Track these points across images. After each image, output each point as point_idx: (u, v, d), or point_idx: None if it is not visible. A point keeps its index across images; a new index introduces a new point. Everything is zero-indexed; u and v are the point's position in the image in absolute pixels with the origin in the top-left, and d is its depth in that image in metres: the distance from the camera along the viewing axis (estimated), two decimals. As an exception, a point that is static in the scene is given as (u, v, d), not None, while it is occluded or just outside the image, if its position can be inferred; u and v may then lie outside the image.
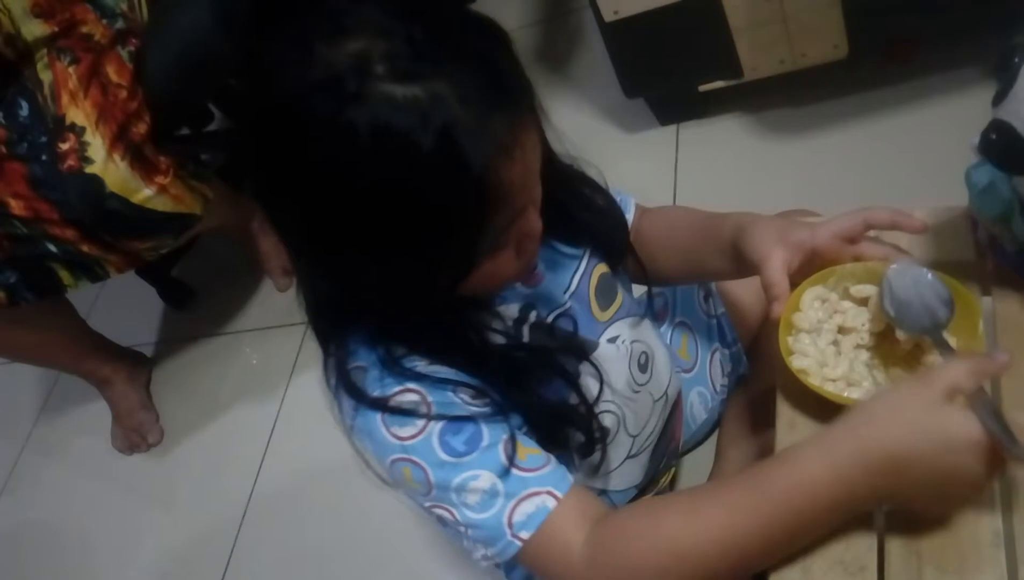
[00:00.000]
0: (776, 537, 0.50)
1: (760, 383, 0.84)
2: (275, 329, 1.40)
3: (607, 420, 0.70)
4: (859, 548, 0.52)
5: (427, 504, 0.57)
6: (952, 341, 0.56)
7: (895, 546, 0.52)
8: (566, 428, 0.63)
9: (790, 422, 0.59)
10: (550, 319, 0.67)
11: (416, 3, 0.49)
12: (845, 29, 1.10)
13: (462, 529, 0.56)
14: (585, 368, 0.66)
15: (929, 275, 0.56)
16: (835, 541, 0.53)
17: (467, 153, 0.45)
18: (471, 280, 0.53)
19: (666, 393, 0.77)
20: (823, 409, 0.57)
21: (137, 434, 1.34)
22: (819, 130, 1.18)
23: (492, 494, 0.54)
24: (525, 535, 0.54)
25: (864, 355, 0.58)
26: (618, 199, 0.75)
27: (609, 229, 0.70)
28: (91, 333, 1.34)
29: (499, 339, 0.61)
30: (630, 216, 0.75)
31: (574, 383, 0.64)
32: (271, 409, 1.29)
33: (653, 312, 0.87)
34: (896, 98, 1.15)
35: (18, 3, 1.03)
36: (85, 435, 1.41)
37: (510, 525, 0.54)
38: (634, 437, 0.74)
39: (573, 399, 0.64)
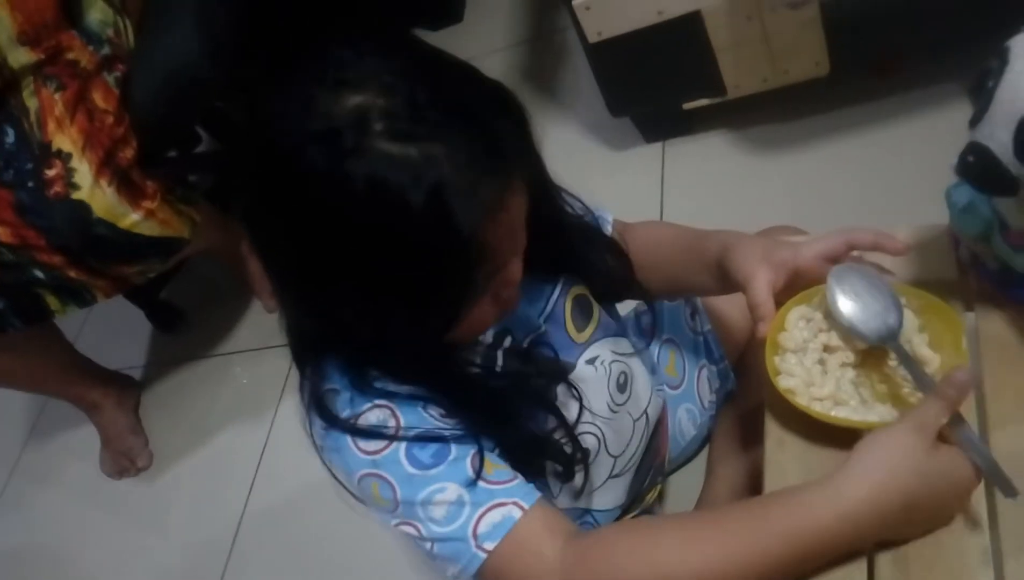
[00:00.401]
0: (773, 575, 0.50)
1: (748, 399, 0.84)
2: (264, 350, 1.40)
3: (587, 441, 0.70)
4: (848, 565, 0.53)
5: (395, 522, 0.57)
6: (935, 357, 0.57)
7: (885, 563, 0.52)
8: (541, 457, 0.64)
9: (779, 441, 0.59)
10: (526, 344, 0.67)
11: (420, 64, 0.50)
12: (826, 46, 1.11)
13: (428, 546, 0.55)
14: (563, 391, 0.67)
15: (869, 277, 0.58)
16: (825, 559, 0.53)
17: (455, 214, 0.47)
18: (467, 325, 0.55)
19: (646, 412, 0.78)
20: (811, 428, 0.58)
21: (126, 458, 1.33)
22: (803, 146, 1.20)
23: (458, 505, 0.54)
24: (489, 546, 0.53)
25: (850, 373, 0.59)
26: (595, 215, 0.75)
27: (608, 267, 0.72)
28: (79, 357, 1.34)
29: (474, 369, 0.62)
30: (608, 230, 0.76)
31: (552, 408, 0.65)
32: (261, 431, 1.29)
33: (640, 329, 0.88)
34: (878, 114, 1.17)
35: (4, 31, 1.03)
36: (74, 460, 1.40)
37: (475, 536, 0.54)
38: (615, 457, 0.74)
39: (551, 423, 0.64)
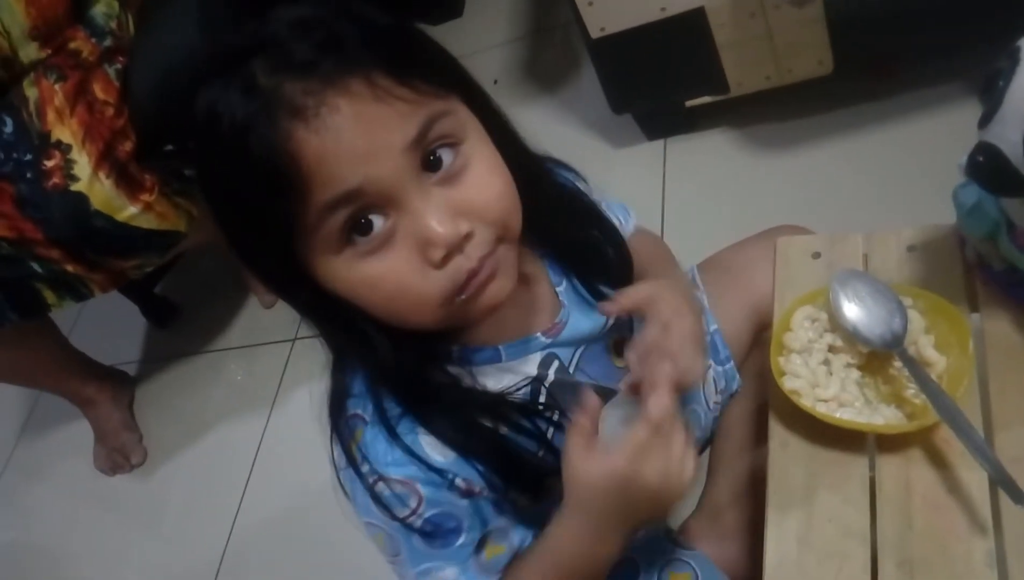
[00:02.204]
0: None
1: (751, 400, 0.84)
2: (260, 346, 1.39)
3: None
4: (853, 568, 0.52)
5: (389, 562, 0.59)
6: (941, 359, 0.57)
7: (889, 566, 0.52)
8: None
9: (783, 442, 0.59)
10: (571, 368, 0.65)
11: None
12: (830, 45, 1.11)
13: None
14: None
15: (872, 282, 0.57)
16: (829, 561, 0.53)
17: (250, 117, 0.45)
18: (358, 283, 0.49)
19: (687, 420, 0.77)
20: (815, 429, 0.57)
21: (120, 454, 1.33)
22: (805, 145, 1.19)
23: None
24: None
25: (855, 374, 0.58)
26: (620, 219, 0.73)
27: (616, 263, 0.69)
28: (73, 352, 1.33)
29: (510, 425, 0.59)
30: (629, 228, 0.74)
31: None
32: (257, 428, 1.28)
33: None
34: (881, 113, 1.16)
35: (18, 26, 1.03)
36: (67, 456, 1.40)
37: None
38: None
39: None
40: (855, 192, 1.11)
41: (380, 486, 0.55)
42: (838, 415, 0.56)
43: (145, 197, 1.07)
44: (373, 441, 0.55)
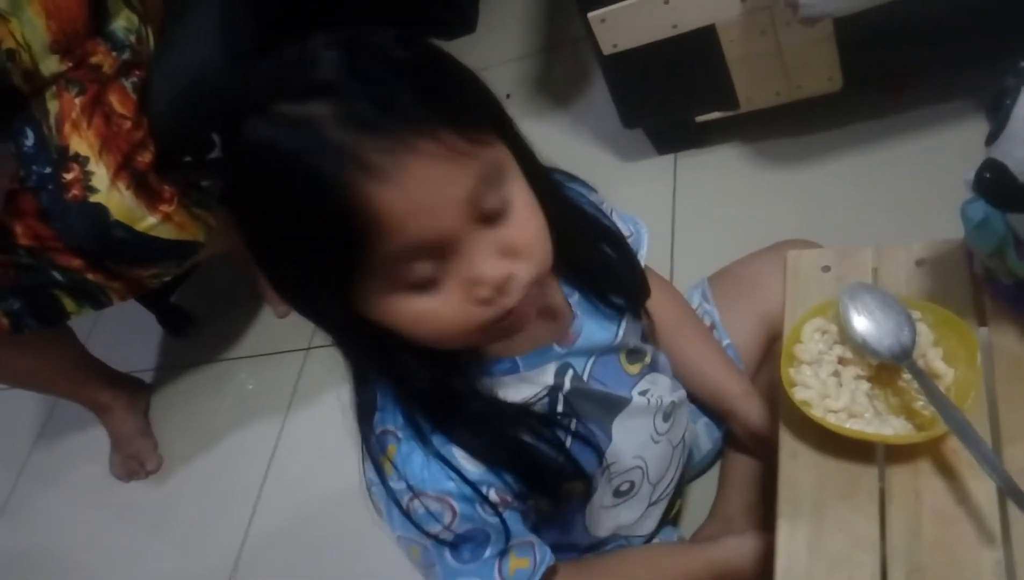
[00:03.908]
0: None
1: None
2: (274, 356, 1.40)
3: (633, 475, 0.72)
4: (863, 577, 0.53)
5: (423, 575, 0.62)
6: (949, 372, 0.58)
7: (898, 575, 0.52)
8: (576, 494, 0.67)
9: (792, 453, 0.60)
10: (585, 375, 0.67)
11: (356, 29, 0.50)
12: (840, 62, 1.12)
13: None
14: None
15: (881, 295, 0.58)
16: (839, 571, 0.54)
17: (326, 173, 0.45)
18: (406, 319, 0.51)
19: (683, 439, 0.79)
20: (825, 440, 0.58)
21: (136, 461, 1.34)
22: (816, 160, 1.20)
23: None
24: None
25: (865, 386, 0.59)
26: (631, 229, 0.75)
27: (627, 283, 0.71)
28: (91, 359, 1.34)
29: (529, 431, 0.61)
30: (643, 252, 0.76)
31: (597, 449, 0.66)
32: (270, 436, 1.29)
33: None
34: (890, 129, 1.17)
35: (39, 39, 1.05)
36: (83, 462, 1.41)
37: None
38: (655, 485, 0.76)
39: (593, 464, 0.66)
40: (864, 207, 1.12)
41: (415, 503, 0.57)
42: (848, 426, 0.57)
43: (164, 208, 1.08)
44: (408, 456, 0.57)
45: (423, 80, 0.48)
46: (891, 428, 0.57)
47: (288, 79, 0.47)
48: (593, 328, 0.66)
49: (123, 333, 1.54)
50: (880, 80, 1.20)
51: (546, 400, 0.63)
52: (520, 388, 0.62)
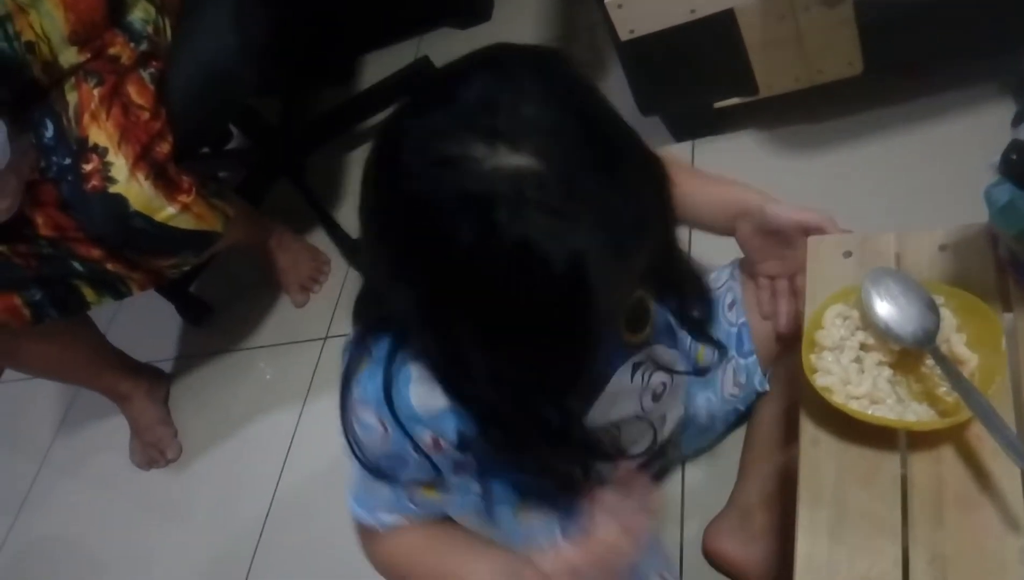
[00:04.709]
0: None
1: (783, 400, 0.84)
2: (292, 345, 1.41)
3: (602, 435, 0.72)
4: (885, 564, 0.52)
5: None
6: (973, 357, 0.57)
7: (920, 563, 0.52)
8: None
9: (814, 439, 0.59)
10: None
11: (577, 115, 0.49)
12: (860, 46, 1.10)
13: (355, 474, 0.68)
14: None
15: (904, 280, 0.57)
16: (860, 558, 0.53)
17: (593, 286, 0.48)
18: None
19: (664, 417, 0.79)
20: (846, 426, 0.58)
21: (156, 449, 1.35)
22: (835, 146, 1.19)
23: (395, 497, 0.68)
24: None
25: (887, 372, 0.59)
26: None
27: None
28: (111, 349, 1.36)
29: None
30: None
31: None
32: (288, 425, 1.30)
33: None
34: (912, 114, 1.16)
35: (57, 31, 1.05)
36: (103, 451, 1.42)
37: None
38: (621, 447, 0.77)
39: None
40: (885, 192, 1.10)
41: (357, 412, 0.63)
42: (870, 412, 0.56)
43: (183, 198, 1.09)
44: (372, 374, 0.61)
45: (648, 189, 0.52)
46: (914, 414, 0.56)
47: (533, 182, 0.47)
48: None
49: (143, 323, 1.55)
50: (901, 64, 1.18)
51: None
52: None
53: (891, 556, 0.53)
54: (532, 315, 0.49)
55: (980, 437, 0.54)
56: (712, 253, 0.92)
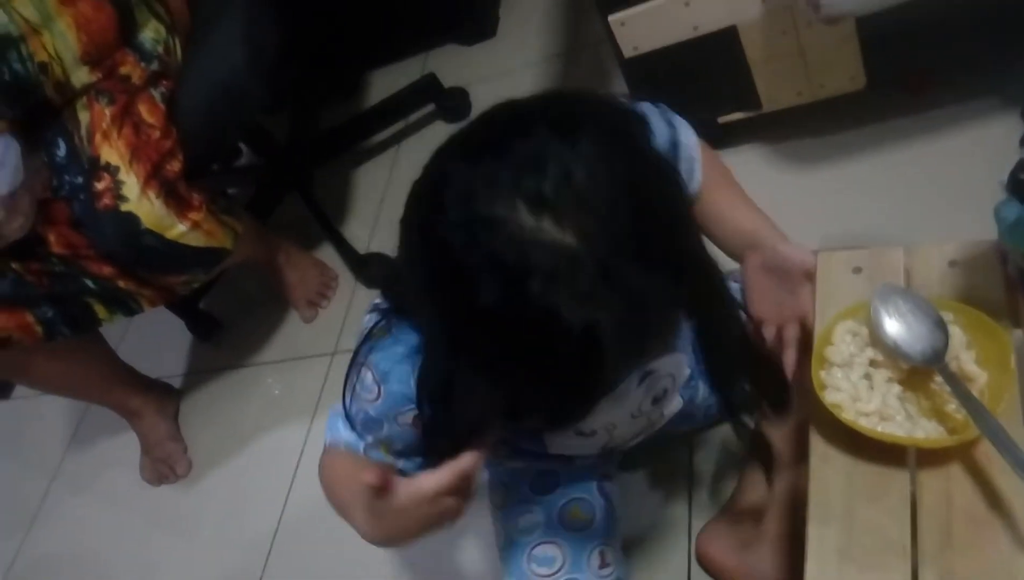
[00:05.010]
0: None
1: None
2: (301, 360, 1.42)
3: (598, 429, 0.77)
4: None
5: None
6: (982, 375, 0.57)
7: (931, 578, 0.52)
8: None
9: (824, 455, 0.59)
10: None
11: (626, 204, 0.48)
12: (862, 60, 1.11)
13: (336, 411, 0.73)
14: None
15: (913, 298, 0.58)
16: (869, 575, 0.54)
17: (606, 362, 0.49)
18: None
19: (663, 415, 0.81)
20: (856, 443, 0.58)
21: (166, 465, 1.36)
22: (839, 160, 1.20)
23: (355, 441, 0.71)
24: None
25: (896, 389, 0.59)
26: (686, 156, 0.76)
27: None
28: (121, 365, 1.36)
29: None
30: (695, 184, 0.77)
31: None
32: (298, 440, 1.31)
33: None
34: (915, 128, 1.16)
35: (70, 51, 1.07)
36: (114, 467, 1.43)
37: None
38: (615, 439, 0.80)
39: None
40: (889, 207, 1.11)
41: (363, 371, 0.68)
42: (879, 429, 0.56)
43: (193, 215, 1.10)
44: (385, 352, 0.66)
45: (675, 286, 0.51)
46: (923, 431, 0.56)
47: (567, 267, 0.47)
48: None
49: (153, 339, 1.56)
50: (903, 78, 1.19)
51: None
52: None
53: (900, 573, 0.53)
54: (544, 369, 0.50)
55: (989, 455, 0.54)
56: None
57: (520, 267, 0.46)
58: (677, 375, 0.77)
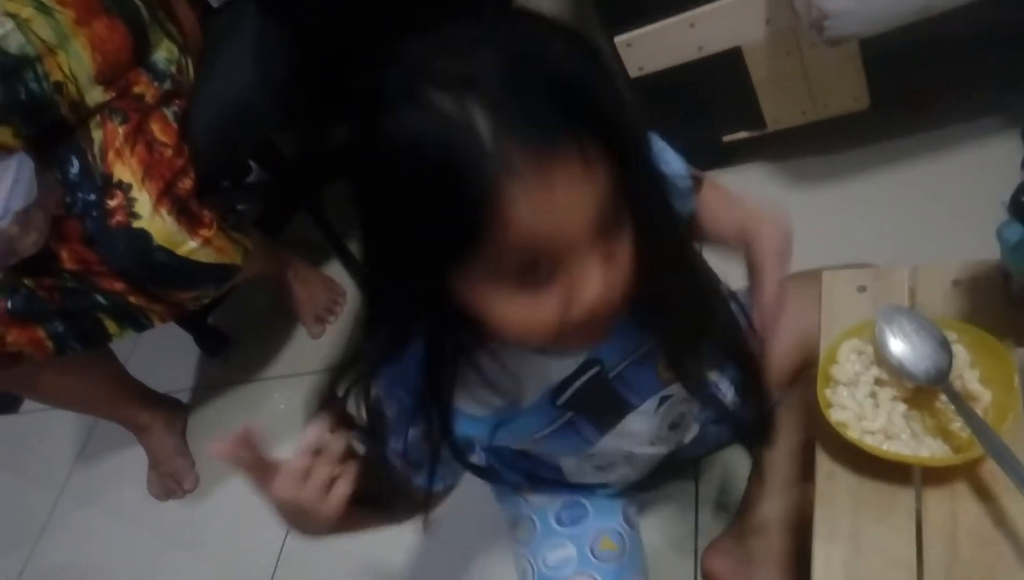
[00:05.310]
0: None
1: (794, 436, 0.84)
2: (308, 375, 1.42)
3: (615, 460, 0.77)
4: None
5: None
6: (986, 394, 0.58)
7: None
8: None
9: (829, 473, 0.60)
10: (612, 373, 0.68)
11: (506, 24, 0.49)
12: (866, 80, 1.13)
13: None
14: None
15: (917, 318, 0.58)
16: (877, 585, 0.54)
17: (469, 172, 0.45)
18: (502, 312, 0.52)
19: (680, 441, 0.82)
20: (861, 461, 0.58)
21: (173, 480, 1.36)
22: (843, 179, 1.20)
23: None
24: None
25: (901, 407, 0.59)
26: (679, 176, 0.75)
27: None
28: (131, 380, 1.37)
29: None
30: (688, 203, 0.76)
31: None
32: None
33: None
34: (918, 148, 1.17)
35: (84, 71, 1.08)
36: (121, 481, 1.43)
37: None
38: (632, 468, 0.80)
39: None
40: (893, 226, 1.12)
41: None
42: (884, 447, 0.57)
43: (204, 232, 1.11)
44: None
45: (576, 97, 0.47)
46: (928, 450, 0.57)
47: (444, 69, 0.47)
48: (626, 328, 0.64)
49: (162, 354, 1.57)
50: (907, 98, 1.20)
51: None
52: (538, 370, 0.65)
53: (906, 571, 0.53)
54: (415, 212, 0.49)
55: (994, 474, 0.55)
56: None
57: (392, 73, 0.48)
58: (692, 402, 0.77)
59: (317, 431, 0.58)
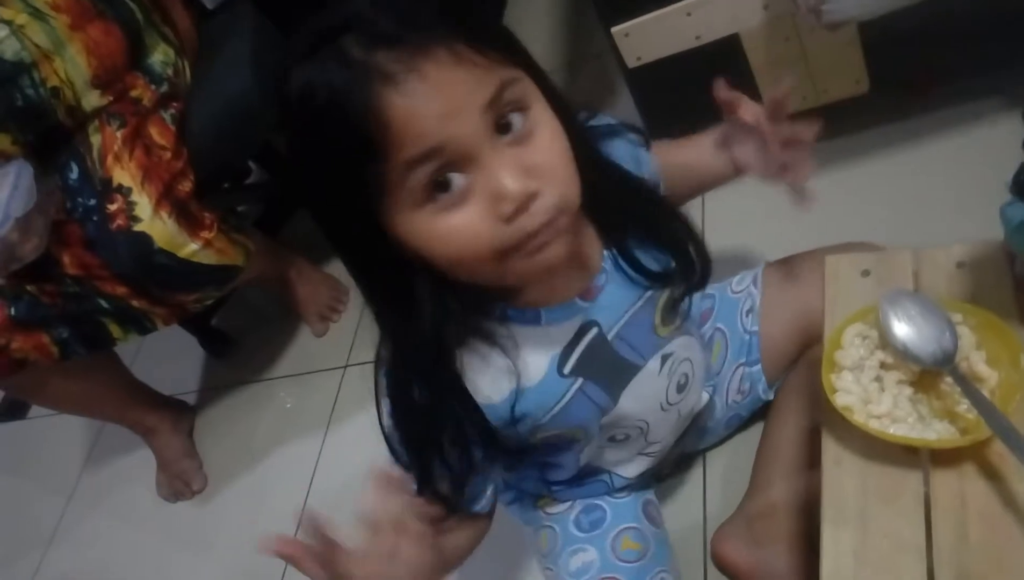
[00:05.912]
0: None
1: (800, 421, 0.84)
2: (313, 374, 1.43)
3: (631, 431, 0.76)
4: (910, 583, 0.53)
5: None
6: (993, 375, 0.57)
7: (946, 578, 0.52)
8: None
9: (836, 458, 0.60)
10: (611, 334, 0.69)
11: None
12: (865, 64, 1.12)
13: None
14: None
15: (922, 301, 0.58)
16: (885, 577, 0.54)
17: (344, 85, 0.49)
18: (435, 236, 0.53)
19: (692, 409, 0.82)
20: (868, 446, 0.58)
21: (181, 482, 1.37)
22: (844, 163, 1.20)
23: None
24: None
25: (907, 390, 0.59)
26: (636, 155, 0.76)
27: (690, 265, 0.72)
28: (136, 383, 1.38)
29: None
30: (649, 168, 0.77)
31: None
32: (311, 453, 1.31)
33: (699, 312, 0.90)
34: (920, 131, 1.17)
35: (80, 76, 1.08)
36: (130, 484, 1.44)
37: None
38: (650, 442, 0.80)
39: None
40: (895, 209, 1.11)
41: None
42: (891, 431, 0.57)
43: (205, 234, 1.11)
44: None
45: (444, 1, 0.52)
46: (935, 432, 0.57)
47: (324, 25, 0.51)
48: (615, 287, 0.68)
49: (166, 357, 1.57)
50: (907, 81, 1.19)
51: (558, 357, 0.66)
52: (539, 342, 0.65)
53: (916, 574, 0.53)
54: (315, 139, 0.52)
55: (1002, 455, 0.54)
56: (725, 272, 0.94)
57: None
58: (694, 360, 0.78)
59: (387, 502, 0.57)
